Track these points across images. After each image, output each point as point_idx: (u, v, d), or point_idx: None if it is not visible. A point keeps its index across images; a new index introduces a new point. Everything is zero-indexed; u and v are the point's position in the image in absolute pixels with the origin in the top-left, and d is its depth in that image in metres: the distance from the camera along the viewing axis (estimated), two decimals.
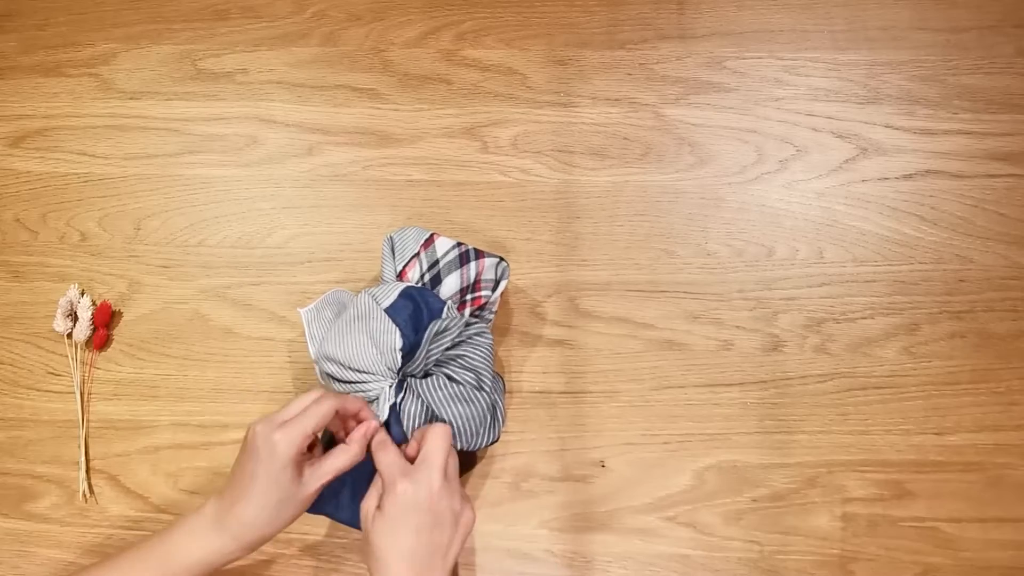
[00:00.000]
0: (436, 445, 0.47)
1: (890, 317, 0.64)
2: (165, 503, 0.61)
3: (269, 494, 0.45)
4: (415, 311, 0.53)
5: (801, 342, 0.64)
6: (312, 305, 0.58)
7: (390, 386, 0.52)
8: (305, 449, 0.46)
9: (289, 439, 0.45)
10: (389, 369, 0.52)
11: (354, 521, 0.54)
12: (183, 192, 0.70)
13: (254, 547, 0.47)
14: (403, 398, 0.52)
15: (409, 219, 0.68)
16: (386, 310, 0.53)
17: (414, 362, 0.53)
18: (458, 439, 0.52)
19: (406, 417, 0.51)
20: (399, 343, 0.52)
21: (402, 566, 0.44)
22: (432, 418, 0.51)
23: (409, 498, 0.45)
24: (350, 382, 0.53)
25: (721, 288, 0.65)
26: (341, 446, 0.49)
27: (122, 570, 0.47)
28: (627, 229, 0.67)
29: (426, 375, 0.54)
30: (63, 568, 0.59)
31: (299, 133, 0.72)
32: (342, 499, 0.54)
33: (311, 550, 0.60)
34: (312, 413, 0.46)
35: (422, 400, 0.51)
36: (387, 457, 0.48)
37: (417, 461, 0.47)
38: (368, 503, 0.47)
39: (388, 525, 0.45)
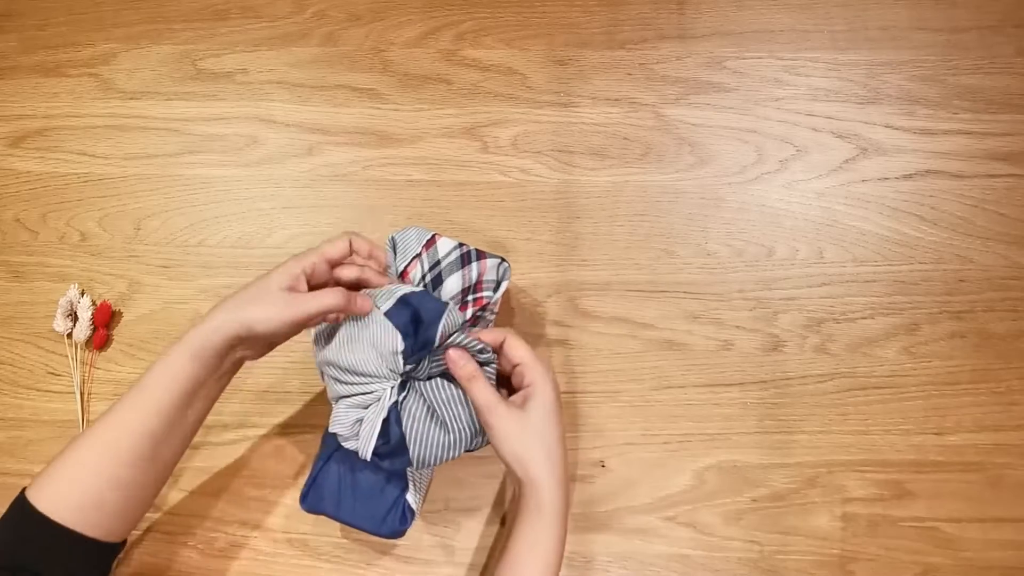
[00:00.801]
0: (521, 347, 0.51)
1: (890, 317, 0.64)
2: (165, 503, 0.61)
3: (249, 290, 0.49)
4: (414, 315, 0.53)
5: (801, 342, 0.64)
6: None
7: (392, 387, 0.52)
8: (300, 276, 0.49)
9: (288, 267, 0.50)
10: (391, 371, 0.52)
11: (351, 521, 0.54)
12: (183, 192, 0.70)
13: (226, 333, 0.47)
14: (405, 397, 0.52)
15: (409, 219, 0.68)
16: (385, 313, 0.53)
17: (420, 368, 0.53)
18: (459, 443, 0.51)
19: (407, 416, 0.51)
20: (400, 346, 0.52)
21: (562, 452, 0.49)
22: (433, 418, 0.51)
23: (552, 397, 0.50)
24: (352, 384, 0.53)
25: (721, 288, 0.65)
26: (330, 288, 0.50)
27: (121, 411, 0.47)
28: (627, 229, 0.67)
29: (429, 377, 0.54)
30: None
31: (299, 133, 0.72)
32: (342, 499, 0.55)
33: (311, 550, 0.60)
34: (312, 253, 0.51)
35: (424, 399, 0.51)
36: (521, 351, 0.51)
37: (531, 363, 0.50)
38: (496, 397, 0.49)
39: (544, 416, 0.49)
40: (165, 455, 0.49)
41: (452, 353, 0.50)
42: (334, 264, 0.52)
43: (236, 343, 0.48)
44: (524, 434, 0.48)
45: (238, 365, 0.52)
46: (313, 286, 0.51)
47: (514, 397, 0.51)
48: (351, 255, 0.54)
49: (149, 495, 0.50)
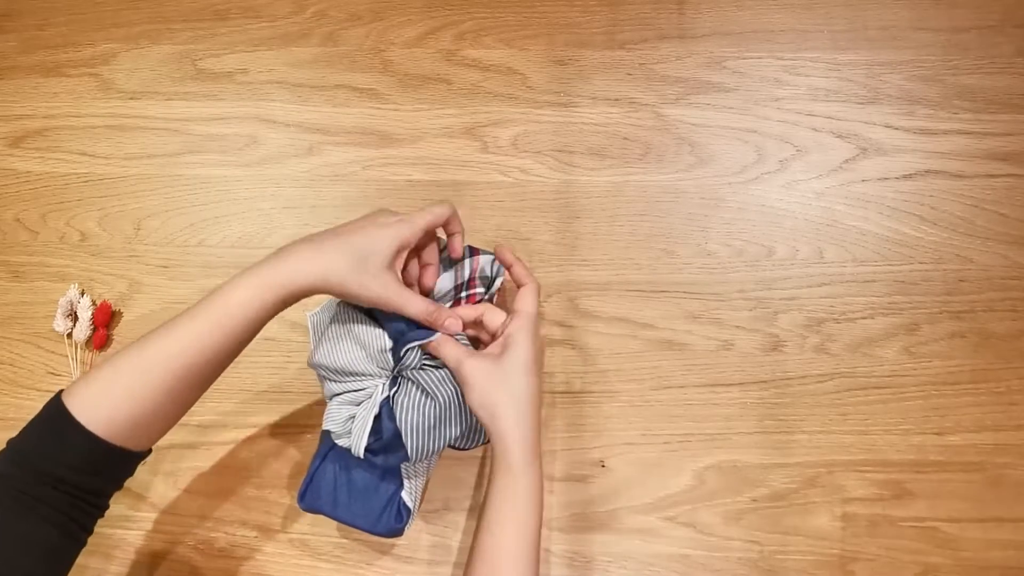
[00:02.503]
0: (529, 300, 0.51)
1: (890, 317, 0.64)
2: (165, 503, 0.61)
3: (352, 247, 0.47)
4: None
5: (801, 342, 0.64)
6: (318, 309, 0.58)
7: (383, 383, 0.52)
8: (403, 255, 0.49)
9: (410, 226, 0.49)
10: (382, 369, 0.53)
11: (348, 519, 0.54)
12: (183, 192, 0.70)
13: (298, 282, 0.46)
14: (397, 391, 0.52)
15: None
16: (372, 311, 0.53)
17: (411, 359, 0.53)
18: (453, 424, 0.51)
19: (400, 409, 0.51)
20: (389, 343, 0.52)
21: (534, 406, 0.49)
22: (426, 408, 0.51)
23: (529, 349, 0.49)
24: (344, 382, 0.53)
25: (721, 288, 0.65)
26: (424, 300, 0.50)
27: (183, 325, 0.46)
28: (627, 229, 0.67)
29: (421, 367, 0.54)
30: None
31: (299, 133, 0.72)
32: (338, 497, 0.55)
33: (311, 550, 0.60)
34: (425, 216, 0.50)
35: (417, 386, 0.51)
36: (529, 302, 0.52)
37: (522, 314, 0.51)
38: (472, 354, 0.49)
39: (518, 367, 0.49)
40: (218, 376, 0.49)
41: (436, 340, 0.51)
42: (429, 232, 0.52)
43: (319, 292, 0.47)
44: (493, 383, 0.47)
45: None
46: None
47: (492, 346, 0.50)
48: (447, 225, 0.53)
49: (189, 408, 0.49)
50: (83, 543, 0.45)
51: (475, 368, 0.48)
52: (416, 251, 0.53)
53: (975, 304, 0.64)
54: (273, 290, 0.46)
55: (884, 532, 0.59)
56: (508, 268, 0.55)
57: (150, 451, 0.48)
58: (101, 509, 0.46)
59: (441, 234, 0.55)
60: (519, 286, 0.53)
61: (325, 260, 0.46)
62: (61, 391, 0.44)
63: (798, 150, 0.69)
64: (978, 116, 0.69)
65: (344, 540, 0.60)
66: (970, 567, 0.58)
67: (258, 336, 0.65)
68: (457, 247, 0.54)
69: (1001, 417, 0.61)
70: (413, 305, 0.49)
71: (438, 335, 0.50)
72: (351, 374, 0.53)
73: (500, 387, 0.48)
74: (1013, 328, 0.64)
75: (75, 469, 0.43)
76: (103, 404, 0.43)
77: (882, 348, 0.63)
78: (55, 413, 0.43)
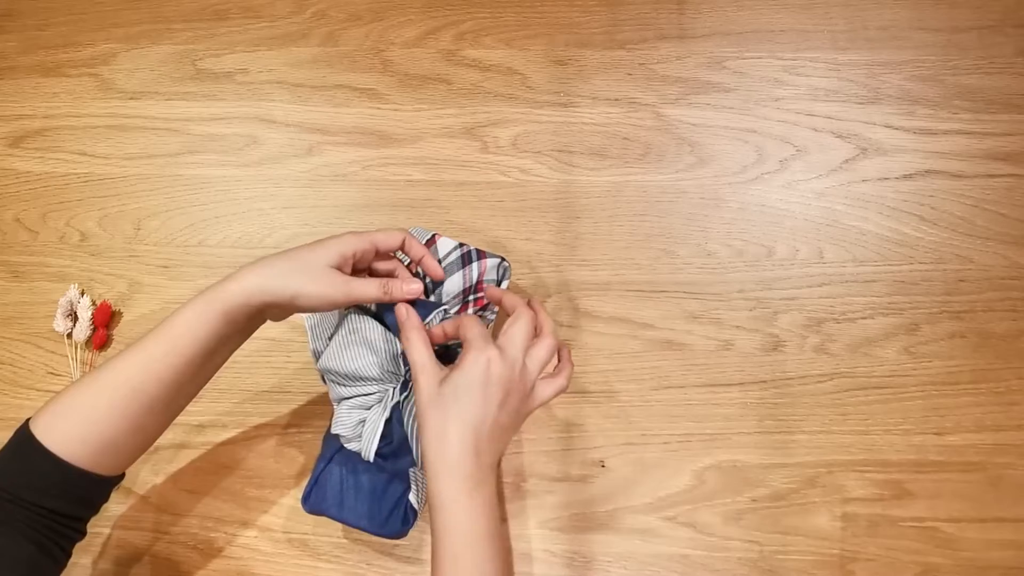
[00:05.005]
0: (473, 330, 0.46)
1: (890, 317, 0.64)
2: (165, 503, 0.61)
3: (293, 258, 0.47)
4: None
5: (801, 342, 0.64)
6: None
7: (394, 388, 0.52)
8: (349, 258, 0.48)
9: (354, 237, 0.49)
10: (392, 374, 0.52)
11: (354, 522, 0.54)
12: (183, 192, 0.70)
13: (257, 294, 0.46)
14: (406, 396, 0.52)
15: (409, 219, 0.68)
16: (379, 316, 0.53)
17: None
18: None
19: (409, 416, 0.51)
20: (399, 348, 0.52)
21: (467, 434, 0.44)
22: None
23: (475, 376, 0.44)
24: (354, 386, 0.53)
25: (721, 288, 0.65)
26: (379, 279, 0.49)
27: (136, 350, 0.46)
28: (627, 229, 0.67)
29: None
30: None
31: (299, 133, 0.72)
32: (344, 500, 0.55)
33: (311, 550, 0.60)
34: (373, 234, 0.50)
35: None
36: (475, 329, 0.46)
37: (465, 347, 0.46)
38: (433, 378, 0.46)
39: (456, 393, 0.44)
40: (182, 402, 0.49)
41: (399, 307, 0.49)
42: (380, 255, 0.51)
43: (271, 308, 0.47)
44: (428, 406, 0.44)
45: (262, 321, 0.50)
46: (353, 269, 0.50)
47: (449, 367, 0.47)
48: (400, 251, 0.52)
49: (159, 434, 0.49)
50: (62, 565, 0.45)
51: (424, 387, 0.45)
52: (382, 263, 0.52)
53: (975, 304, 0.64)
54: (215, 305, 0.45)
55: (884, 532, 0.59)
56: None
57: (122, 476, 0.48)
58: (79, 532, 0.47)
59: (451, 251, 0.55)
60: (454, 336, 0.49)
61: (266, 270, 0.46)
62: (29, 418, 0.45)
63: (798, 150, 0.69)
64: (978, 116, 0.69)
65: (344, 540, 0.60)
66: (970, 567, 0.58)
67: (257, 336, 0.64)
68: (431, 269, 0.52)
69: (1001, 417, 0.61)
70: (367, 289, 0.48)
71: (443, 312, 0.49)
72: (361, 379, 0.53)
73: (432, 414, 0.44)
74: (1013, 328, 0.64)
75: (45, 493, 0.43)
76: (65, 428, 0.44)
77: (882, 348, 0.63)
78: (22, 438, 0.44)
